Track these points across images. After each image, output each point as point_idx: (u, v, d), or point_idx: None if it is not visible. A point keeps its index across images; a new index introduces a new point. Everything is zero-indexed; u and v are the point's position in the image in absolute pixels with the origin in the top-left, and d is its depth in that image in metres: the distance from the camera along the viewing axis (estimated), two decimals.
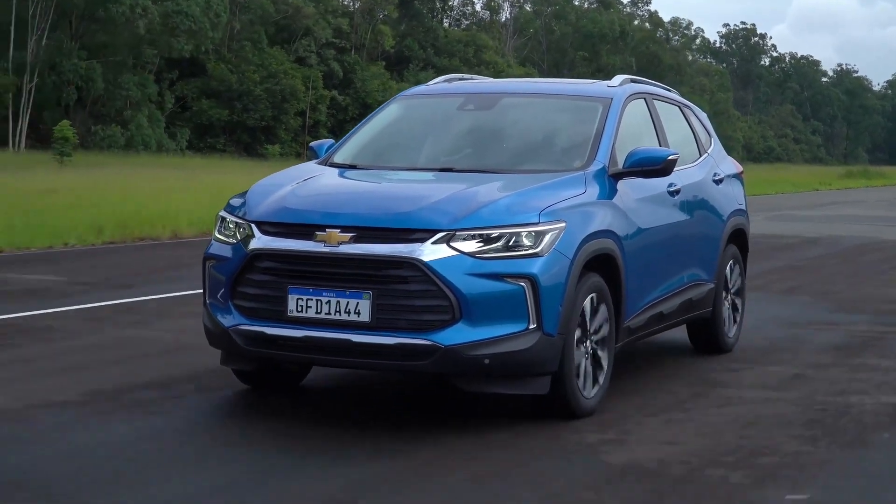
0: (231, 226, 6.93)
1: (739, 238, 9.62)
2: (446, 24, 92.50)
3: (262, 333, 6.59)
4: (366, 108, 66.53)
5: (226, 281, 6.78)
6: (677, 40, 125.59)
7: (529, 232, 6.49)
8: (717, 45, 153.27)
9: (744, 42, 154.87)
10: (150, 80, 63.03)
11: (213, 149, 64.43)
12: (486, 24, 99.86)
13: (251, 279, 6.67)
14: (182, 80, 67.31)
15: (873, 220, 28.72)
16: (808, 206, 37.97)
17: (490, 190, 6.78)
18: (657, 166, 7.57)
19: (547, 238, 6.53)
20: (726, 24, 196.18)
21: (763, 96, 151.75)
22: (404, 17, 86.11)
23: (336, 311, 6.39)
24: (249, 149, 67.01)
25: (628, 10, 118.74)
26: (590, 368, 6.96)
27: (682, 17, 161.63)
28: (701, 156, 9.20)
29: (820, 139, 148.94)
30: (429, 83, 9.02)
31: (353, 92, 74.25)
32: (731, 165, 9.84)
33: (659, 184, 7.99)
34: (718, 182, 9.23)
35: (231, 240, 6.88)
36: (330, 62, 74.28)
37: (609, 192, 7.34)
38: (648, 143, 8.14)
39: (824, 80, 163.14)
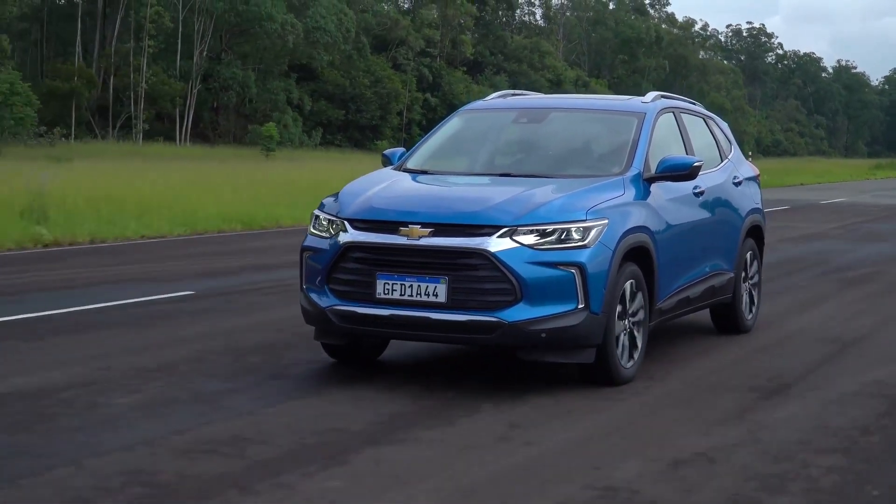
0: (324, 222, 7.67)
1: (756, 233, 10.13)
2: (507, 31, 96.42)
3: (355, 312, 7.33)
4: (452, 108, 72.02)
5: (322, 269, 7.50)
6: (693, 39, 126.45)
7: (578, 227, 7.24)
8: (726, 43, 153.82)
9: (753, 41, 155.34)
10: (293, 86, 69.58)
11: (331, 144, 70.02)
12: (544, 31, 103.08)
13: (344, 267, 7.41)
14: (298, 84, 72.32)
15: None
16: (884, 189, 45.08)
17: (545, 192, 7.50)
18: (685, 172, 8.24)
19: (593, 233, 7.27)
20: (729, 25, 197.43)
21: (769, 92, 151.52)
22: (478, 27, 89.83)
23: (417, 294, 7.16)
24: (359, 144, 72.02)
25: (650, 11, 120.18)
26: (627, 343, 7.67)
27: (693, 17, 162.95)
28: (722, 161, 9.78)
29: (823, 133, 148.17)
30: (485, 99, 9.70)
31: (441, 94, 79.66)
32: (748, 169, 10.35)
33: (686, 186, 8.63)
34: (737, 184, 9.80)
35: (325, 234, 7.61)
36: (421, 68, 79.68)
37: (644, 194, 8.02)
38: (677, 152, 8.76)
39: (824, 75, 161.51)
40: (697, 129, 9.60)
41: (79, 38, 64.03)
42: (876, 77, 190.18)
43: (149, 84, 62.45)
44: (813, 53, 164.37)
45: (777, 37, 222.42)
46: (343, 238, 7.49)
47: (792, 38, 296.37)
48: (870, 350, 9.23)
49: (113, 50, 63.65)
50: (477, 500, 5.26)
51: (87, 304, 10.84)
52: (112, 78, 62.89)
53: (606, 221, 7.43)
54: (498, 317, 7.09)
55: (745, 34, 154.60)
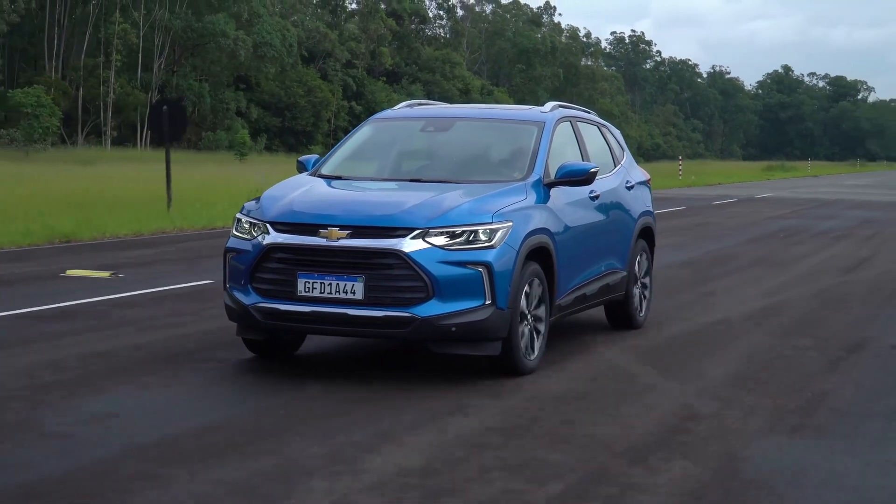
0: (247, 225, 7.69)
1: (647, 234, 10.25)
2: (420, 43, 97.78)
3: (277, 309, 7.38)
4: None
5: (245, 269, 7.53)
6: (582, 48, 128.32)
7: (485, 229, 7.38)
8: (609, 50, 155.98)
9: (633, 48, 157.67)
10: (242, 96, 72.30)
11: (268, 149, 72.29)
12: (451, 42, 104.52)
13: (267, 267, 7.46)
14: (238, 93, 74.14)
15: (846, 192, 43.99)
16: (793, 187, 49.64)
17: (454, 197, 7.60)
18: (582, 177, 8.40)
19: (498, 234, 7.42)
20: (613, 32, 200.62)
21: (648, 97, 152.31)
22: (394, 39, 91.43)
23: (336, 291, 7.26)
24: (294, 149, 73.85)
25: (542, 20, 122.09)
26: (530, 336, 7.80)
27: (574, 25, 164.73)
28: (616, 167, 9.90)
29: (700, 136, 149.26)
30: (394, 108, 9.69)
31: (365, 102, 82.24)
32: (640, 174, 10.45)
33: (583, 190, 8.76)
34: (630, 188, 9.94)
35: (247, 236, 7.64)
36: (346, 78, 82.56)
37: (544, 198, 8.14)
38: (574, 158, 8.90)
39: (700, 81, 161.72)
40: (592, 137, 9.74)
41: (53, 52, 66.08)
42: (750, 82, 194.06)
43: (116, 95, 65.19)
44: (689, 60, 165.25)
45: (656, 44, 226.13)
46: (266, 240, 7.54)
47: (663, 42, 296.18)
48: (880, 260, 15.86)
49: (82, 63, 66.27)
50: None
51: None
52: (80, 89, 65.35)
53: (511, 224, 7.55)
54: (411, 312, 7.20)
55: (627, 42, 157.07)
